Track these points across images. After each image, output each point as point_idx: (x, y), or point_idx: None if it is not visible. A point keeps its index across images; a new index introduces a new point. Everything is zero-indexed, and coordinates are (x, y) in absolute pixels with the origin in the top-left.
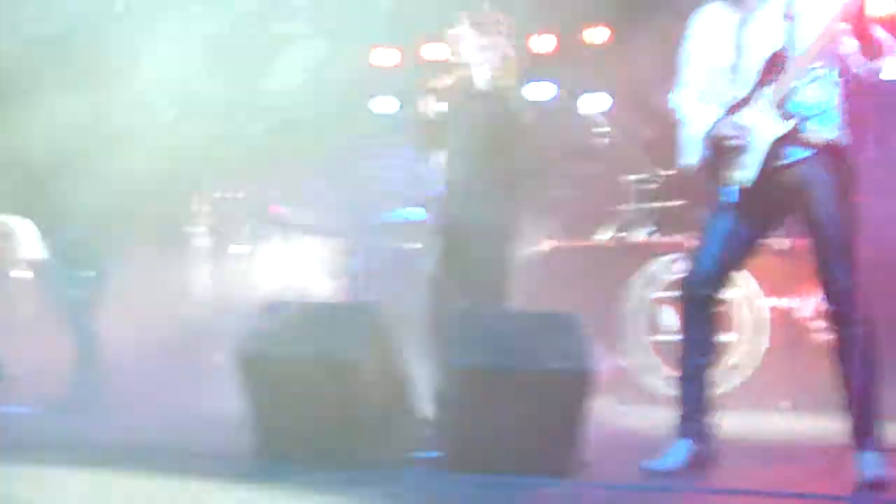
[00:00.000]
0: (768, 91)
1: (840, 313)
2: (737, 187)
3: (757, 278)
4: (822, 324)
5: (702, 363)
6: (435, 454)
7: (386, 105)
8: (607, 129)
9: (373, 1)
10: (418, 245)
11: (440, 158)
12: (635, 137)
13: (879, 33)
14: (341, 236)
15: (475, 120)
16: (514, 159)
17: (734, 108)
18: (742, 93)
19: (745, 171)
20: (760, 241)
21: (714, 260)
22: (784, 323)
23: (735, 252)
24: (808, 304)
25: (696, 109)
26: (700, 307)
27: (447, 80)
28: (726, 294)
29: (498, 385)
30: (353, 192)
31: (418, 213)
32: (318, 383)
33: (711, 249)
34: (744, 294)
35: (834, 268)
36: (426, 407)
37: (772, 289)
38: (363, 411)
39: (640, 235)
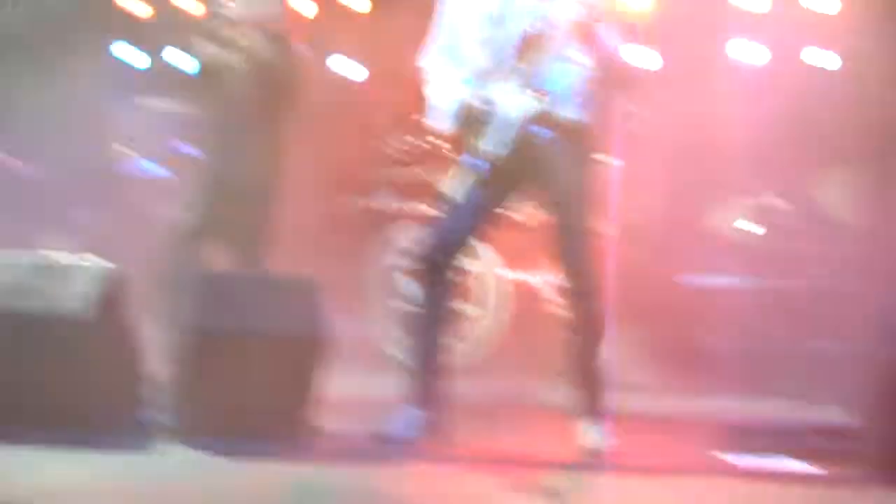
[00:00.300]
0: (521, 67)
1: (574, 288)
2: (482, 159)
3: (499, 251)
4: (558, 298)
5: (435, 331)
6: (167, 418)
7: (129, 52)
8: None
9: None
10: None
11: (197, 111)
12: (383, 102)
13: (603, 32)
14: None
15: (252, 74)
16: (283, 118)
17: (485, 79)
18: (494, 64)
19: (492, 144)
20: (500, 213)
21: (452, 229)
22: (524, 296)
23: (472, 221)
24: (547, 278)
25: (445, 75)
26: (436, 275)
27: (227, 31)
28: (467, 265)
29: (232, 349)
30: (91, 140)
31: (156, 167)
32: (46, 342)
33: (451, 219)
34: (485, 266)
35: (571, 245)
36: (161, 370)
37: (513, 262)
38: (93, 372)
39: (384, 202)
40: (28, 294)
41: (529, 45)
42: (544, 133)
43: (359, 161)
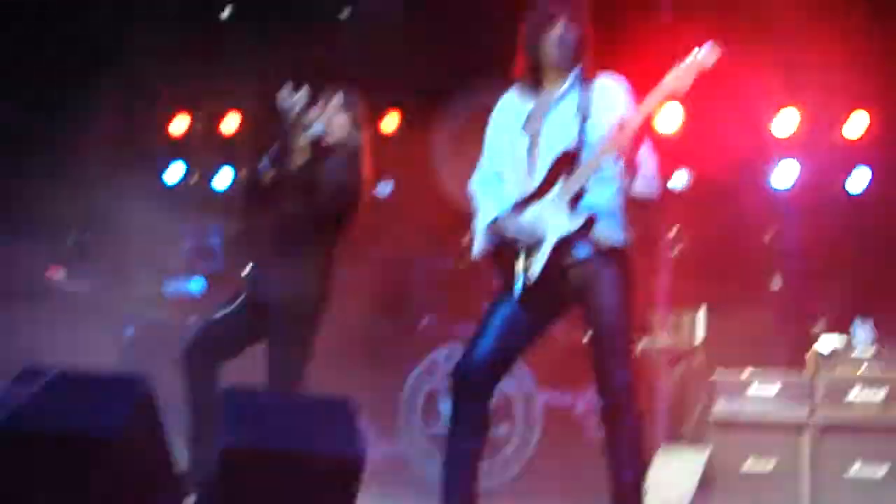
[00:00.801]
0: (558, 187)
1: (615, 408)
2: (521, 281)
3: (532, 371)
4: (594, 419)
5: (467, 452)
6: None
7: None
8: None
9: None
10: (194, 319)
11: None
12: (418, 223)
13: (641, 153)
14: (116, 306)
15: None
16: (335, 237)
17: (525, 202)
18: (533, 186)
19: (531, 266)
20: (538, 334)
21: (489, 349)
22: (558, 417)
23: (512, 343)
24: (583, 399)
25: (486, 199)
26: (471, 395)
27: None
28: (500, 385)
29: (263, 469)
30: (131, 259)
31: (198, 286)
32: (71, 462)
33: (488, 339)
34: (517, 387)
35: (611, 363)
36: (193, 490)
37: (547, 382)
38: (123, 493)
39: (424, 321)
40: (64, 412)
41: (566, 164)
42: (584, 253)
43: (402, 282)
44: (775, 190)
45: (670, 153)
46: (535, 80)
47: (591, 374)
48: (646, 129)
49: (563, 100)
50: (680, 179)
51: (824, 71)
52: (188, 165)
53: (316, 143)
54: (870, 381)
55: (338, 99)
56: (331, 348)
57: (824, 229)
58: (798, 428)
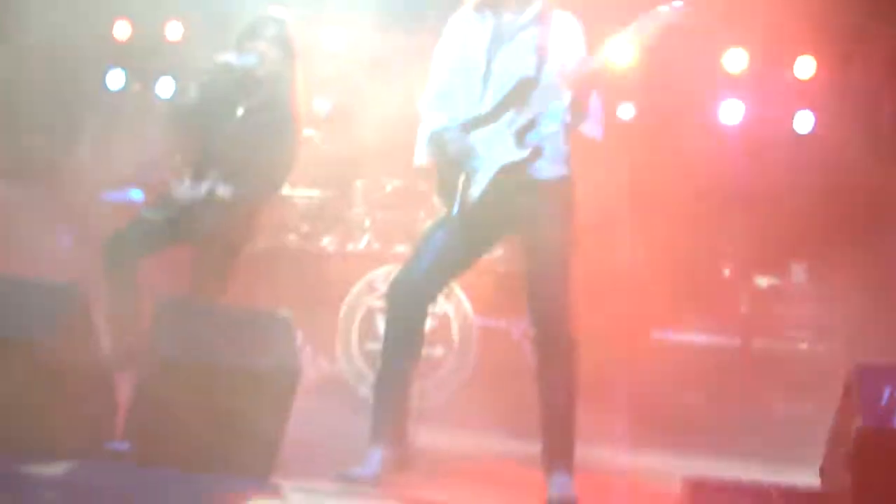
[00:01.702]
0: (508, 116)
1: (548, 335)
2: (458, 203)
3: (469, 296)
4: (529, 345)
5: (400, 370)
6: (126, 445)
7: (118, 80)
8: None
9: None
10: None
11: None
12: (364, 143)
13: (592, 96)
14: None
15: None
16: (271, 170)
17: (473, 125)
18: (483, 110)
19: (471, 189)
20: (474, 258)
21: (424, 270)
22: (493, 341)
23: (447, 265)
24: (517, 326)
25: (434, 115)
26: (406, 315)
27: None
28: (438, 307)
29: (197, 380)
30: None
31: (138, 194)
32: (3, 365)
33: (424, 260)
34: (455, 310)
35: (547, 292)
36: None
37: (483, 308)
38: (55, 396)
39: (361, 243)
40: None
41: (520, 94)
42: (526, 183)
43: (342, 203)
44: (723, 125)
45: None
46: (494, 2)
47: (523, 304)
48: (601, 73)
49: (524, 30)
50: (627, 112)
51: (772, 14)
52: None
53: (249, 73)
54: None
55: (272, 30)
56: (270, 266)
57: (769, 166)
58: None
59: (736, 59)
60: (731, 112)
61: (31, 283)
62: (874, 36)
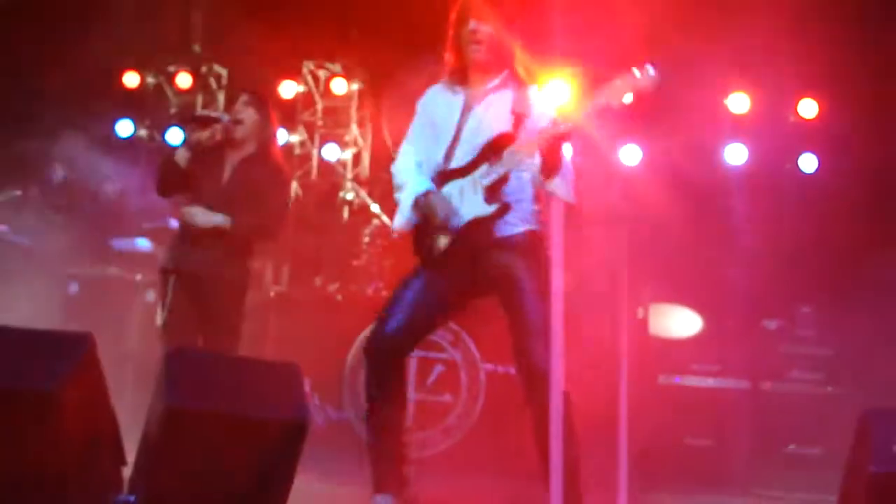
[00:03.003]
0: (480, 171)
1: (538, 387)
2: (432, 254)
3: (477, 342)
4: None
5: (386, 420)
6: (133, 498)
7: (126, 128)
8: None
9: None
10: (139, 276)
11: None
12: (375, 190)
13: (563, 156)
14: (61, 261)
15: (236, 174)
16: (266, 211)
17: (444, 180)
18: (458, 165)
19: (442, 241)
20: (449, 309)
21: (399, 323)
22: (500, 388)
23: (421, 317)
24: None
25: (410, 177)
26: (383, 367)
27: (209, 131)
28: (446, 353)
29: (205, 430)
30: (80, 212)
31: (145, 243)
32: (13, 417)
33: (398, 313)
34: (462, 357)
35: (531, 344)
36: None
37: (491, 353)
38: (64, 446)
39: (368, 290)
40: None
41: (493, 149)
42: (496, 237)
43: (351, 251)
44: (728, 167)
45: (623, 127)
46: (461, 77)
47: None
48: (570, 134)
49: (494, 93)
50: (634, 155)
51: (774, 57)
52: (137, 121)
53: (227, 135)
54: None
55: (244, 98)
56: (278, 314)
57: (772, 209)
58: None
59: (739, 102)
60: (736, 154)
61: (42, 332)
62: (876, 76)
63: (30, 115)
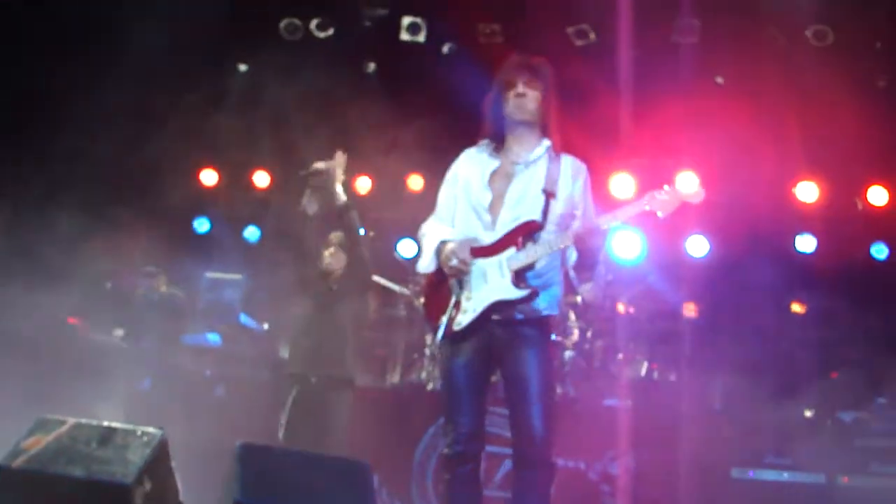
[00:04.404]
0: (510, 252)
1: (531, 460)
2: (444, 327)
3: None
4: (606, 486)
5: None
6: None
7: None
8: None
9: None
10: (209, 371)
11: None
12: None
13: (600, 259)
14: (134, 356)
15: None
16: (363, 302)
17: (475, 252)
18: (486, 241)
19: (459, 316)
20: (484, 381)
21: (471, 417)
22: (571, 483)
23: (481, 406)
24: (595, 467)
25: (440, 228)
26: (461, 463)
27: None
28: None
29: None
30: (156, 310)
31: (215, 339)
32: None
33: (465, 407)
34: None
35: (531, 420)
36: None
37: (560, 448)
38: None
39: (437, 383)
40: (77, 460)
41: (524, 234)
42: (518, 318)
43: (417, 345)
44: (799, 255)
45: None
46: (498, 141)
47: (603, 443)
48: (605, 237)
49: (532, 166)
50: (701, 247)
51: (842, 145)
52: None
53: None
54: None
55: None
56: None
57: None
58: None
59: (808, 191)
60: (806, 243)
61: (117, 428)
62: None
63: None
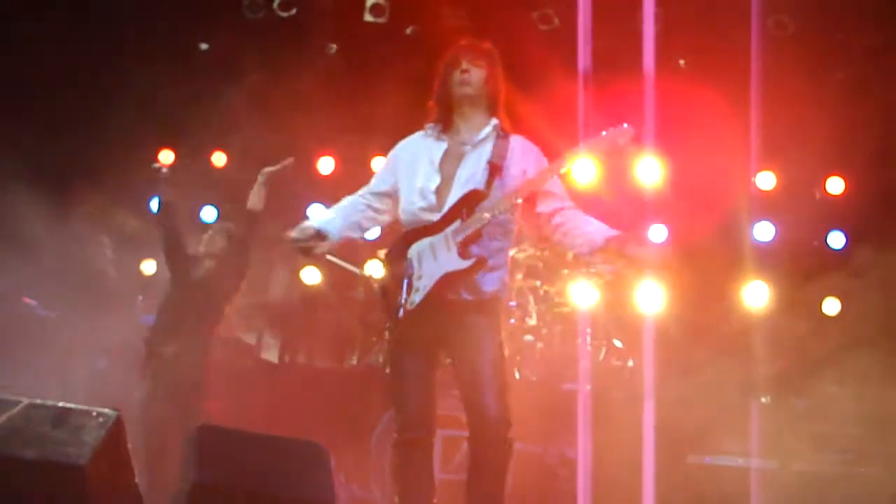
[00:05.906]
0: (456, 225)
1: (487, 439)
2: (401, 309)
3: None
4: (565, 469)
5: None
6: None
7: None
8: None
9: None
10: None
11: None
12: None
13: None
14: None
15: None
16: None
17: (421, 232)
18: (431, 219)
19: (412, 295)
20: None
21: (419, 402)
22: (528, 466)
23: (432, 389)
24: (553, 450)
25: (336, 207)
26: (413, 449)
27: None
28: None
29: None
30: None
31: None
32: (41, 488)
33: (410, 390)
34: None
35: (484, 399)
36: None
37: (518, 431)
38: None
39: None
40: (31, 441)
41: (468, 205)
42: (464, 293)
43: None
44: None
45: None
46: (445, 122)
47: (561, 427)
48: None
49: (480, 146)
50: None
51: (801, 135)
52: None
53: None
54: None
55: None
56: (303, 391)
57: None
58: None
59: (766, 180)
60: (764, 231)
61: (71, 409)
62: None
63: None
